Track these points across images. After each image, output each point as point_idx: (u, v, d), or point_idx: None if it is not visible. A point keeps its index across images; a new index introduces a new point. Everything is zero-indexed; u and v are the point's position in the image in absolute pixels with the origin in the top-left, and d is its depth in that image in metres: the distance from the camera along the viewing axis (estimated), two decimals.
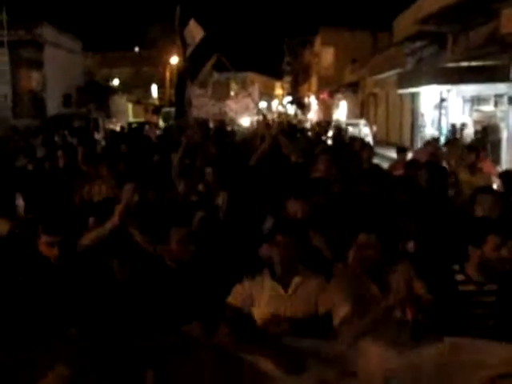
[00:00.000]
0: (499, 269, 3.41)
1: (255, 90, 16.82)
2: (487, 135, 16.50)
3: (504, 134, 16.65)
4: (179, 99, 11.45)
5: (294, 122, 35.19)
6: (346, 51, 41.42)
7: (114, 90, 39.63)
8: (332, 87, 42.74)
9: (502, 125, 17.01)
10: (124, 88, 43.38)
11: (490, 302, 3.42)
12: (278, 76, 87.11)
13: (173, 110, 32.26)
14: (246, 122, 21.31)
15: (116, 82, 43.60)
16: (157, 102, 45.59)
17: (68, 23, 65.06)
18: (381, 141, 26.14)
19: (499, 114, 17.23)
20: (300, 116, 57.22)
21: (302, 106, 61.24)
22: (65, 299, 3.34)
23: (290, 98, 73.15)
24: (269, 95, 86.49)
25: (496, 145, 16.29)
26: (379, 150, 19.13)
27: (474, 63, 16.66)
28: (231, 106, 15.70)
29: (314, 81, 55.55)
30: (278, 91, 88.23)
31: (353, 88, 37.45)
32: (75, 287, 3.42)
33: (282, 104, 79.08)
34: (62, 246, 3.43)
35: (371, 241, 3.42)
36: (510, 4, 14.26)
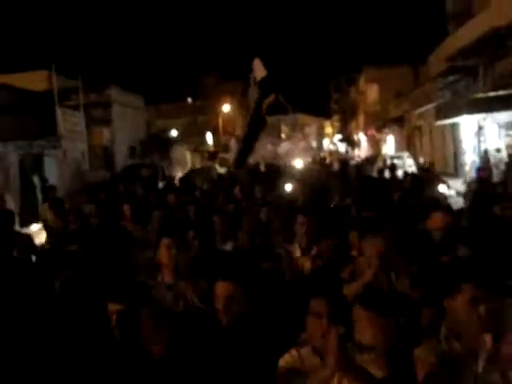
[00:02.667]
0: None
1: (312, 131, 18.00)
2: None
3: None
4: (246, 147, 11.96)
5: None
6: (390, 86, 42.57)
7: (173, 140, 42.23)
8: (378, 123, 44.15)
9: None
10: (181, 137, 45.99)
11: None
12: (327, 115, 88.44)
13: (228, 155, 34.38)
14: (299, 163, 22.45)
15: (174, 132, 46.27)
16: (212, 149, 47.89)
17: (131, 82, 69.39)
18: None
19: None
20: (350, 152, 58.61)
21: (352, 143, 62.60)
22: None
23: (340, 136, 74.31)
24: (319, 134, 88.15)
25: None
26: None
27: (501, 92, 18.25)
28: (285, 147, 16.93)
29: (361, 118, 57.07)
30: (328, 130, 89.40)
31: (398, 122, 38.82)
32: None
33: (332, 142, 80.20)
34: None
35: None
36: None
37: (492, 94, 18.32)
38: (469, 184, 11.42)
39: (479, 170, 14.03)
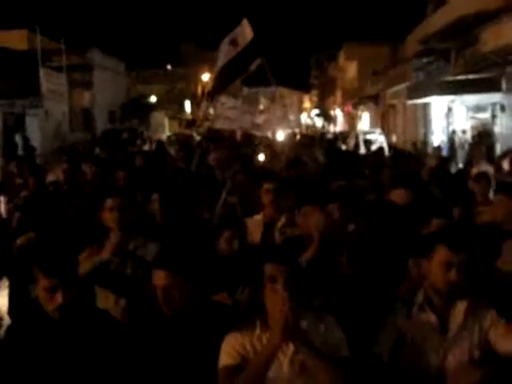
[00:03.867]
0: None
1: (292, 103, 17.84)
2: (482, 139, 18.82)
3: (497, 138, 19.03)
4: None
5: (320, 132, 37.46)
6: (368, 64, 43.06)
7: (152, 106, 42.54)
8: (355, 99, 44.86)
9: (496, 129, 19.41)
10: (160, 104, 46.29)
11: None
12: (306, 89, 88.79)
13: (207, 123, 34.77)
14: (280, 135, 22.44)
15: (153, 98, 46.52)
16: (190, 117, 48.26)
17: (113, 46, 69.04)
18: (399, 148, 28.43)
19: (493, 120, 19.65)
20: (326, 128, 59.33)
21: (329, 118, 63.27)
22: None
23: (317, 111, 74.73)
24: (297, 108, 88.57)
25: (490, 148, 18.58)
26: None
27: (470, 76, 19.14)
28: (264, 117, 16.85)
29: (338, 94, 57.64)
30: (306, 104, 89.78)
31: (374, 100, 39.57)
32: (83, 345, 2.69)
33: (310, 117, 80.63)
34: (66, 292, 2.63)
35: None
36: (489, 26, 16.60)
37: (461, 77, 19.18)
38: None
39: (438, 148, 14.87)
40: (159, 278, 2.87)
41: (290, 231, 4.77)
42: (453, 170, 11.86)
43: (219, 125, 13.27)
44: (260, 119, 16.14)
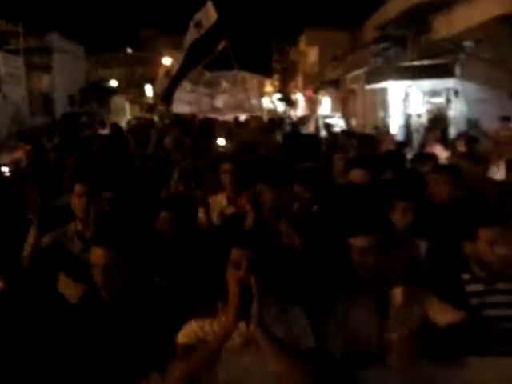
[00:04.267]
0: (501, 267, 3.07)
1: (253, 86, 17.66)
2: (437, 123, 19.45)
3: (451, 122, 19.68)
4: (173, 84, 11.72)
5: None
6: (329, 49, 43.43)
7: (112, 90, 42.18)
8: (316, 84, 45.29)
9: (450, 114, 20.05)
10: (120, 88, 45.88)
11: (503, 302, 3.07)
12: (268, 74, 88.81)
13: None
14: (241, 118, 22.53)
15: (114, 82, 46.08)
16: (151, 101, 47.98)
17: (72, 29, 67.79)
18: (358, 132, 29.00)
19: (447, 105, 20.29)
20: (288, 112, 59.69)
21: (290, 103, 63.62)
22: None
23: (279, 95, 74.94)
24: (259, 93, 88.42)
25: (444, 131, 19.23)
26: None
27: (426, 62, 19.69)
28: (225, 100, 16.74)
29: (299, 78, 58.05)
30: (268, 89, 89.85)
31: (334, 84, 40.05)
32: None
33: (272, 101, 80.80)
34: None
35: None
36: (441, 14, 17.11)
37: (417, 63, 19.72)
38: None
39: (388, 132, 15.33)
40: (97, 256, 2.81)
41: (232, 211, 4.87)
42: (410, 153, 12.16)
43: (178, 109, 13.35)
44: (220, 103, 16.05)
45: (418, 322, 2.87)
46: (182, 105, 12.76)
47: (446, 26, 16.22)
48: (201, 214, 5.16)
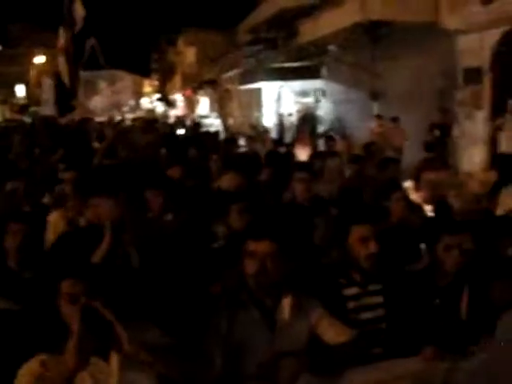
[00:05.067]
0: (370, 266, 3.06)
1: (126, 86, 17.49)
2: (305, 122, 20.63)
3: (319, 121, 20.96)
4: (62, 93, 11.24)
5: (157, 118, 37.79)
6: (206, 50, 44.06)
7: None
8: (194, 84, 45.71)
9: (320, 113, 21.33)
10: None
11: (377, 303, 3.09)
12: (147, 74, 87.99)
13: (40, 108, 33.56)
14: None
15: None
16: (23, 102, 46.15)
17: None
18: (234, 131, 29.80)
19: (316, 105, 21.59)
20: (168, 112, 59.61)
21: (169, 103, 63.52)
22: None
23: (158, 96, 74.50)
24: (138, 93, 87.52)
25: (313, 129, 20.44)
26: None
27: (295, 64, 20.82)
28: (100, 102, 16.66)
29: (178, 78, 58.12)
30: (147, 89, 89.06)
31: (212, 85, 40.67)
32: None
33: (151, 102, 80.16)
34: None
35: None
36: (307, 19, 18.24)
37: (287, 64, 20.79)
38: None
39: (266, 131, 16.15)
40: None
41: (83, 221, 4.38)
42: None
43: (48, 111, 13.03)
44: (96, 103, 15.92)
45: (305, 338, 2.76)
46: (53, 106, 12.71)
47: (312, 30, 17.28)
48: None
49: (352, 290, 3.10)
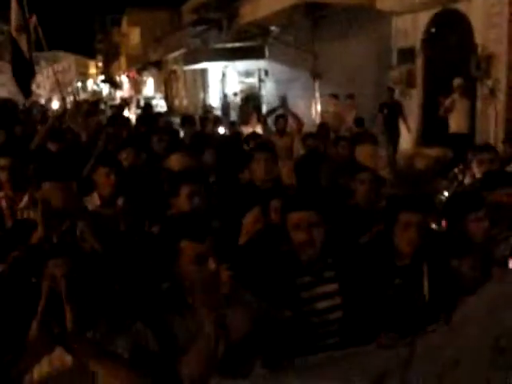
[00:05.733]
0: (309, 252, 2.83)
1: (66, 67, 16.81)
2: (249, 101, 20.95)
3: (263, 100, 21.33)
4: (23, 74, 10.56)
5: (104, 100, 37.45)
6: (151, 31, 43.58)
7: None
8: (139, 65, 45.31)
9: (263, 92, 21.69)
10: None
11: (330, 291, 2.89)
12: (92, 55, 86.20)
13: None
14: (55, 105, 20.92)
15: None
16: None
17: None
18: (179, 112, 29.88)
19: (259, 84, 21.95)
20: (113, 94, 58.82)
21: (115, 85, 62.63)
22: None
23: (103, 77, 73.28)
24: (83, 74, 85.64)
25: (257, 108, 20.75)
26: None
27: (239, 44, 21.05)
28: (42, 82, 16.02)
29: (123, 59, 57.36)
30: (92, 70, 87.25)
31: (157, 66, 40.46)
32: None
33: (96, 83, 78.66)
34: None
35: None
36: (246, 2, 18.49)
37: (230, 45, 21.01)
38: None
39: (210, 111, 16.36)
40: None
41: (32, 214, 4.09)
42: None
43: (5, 93, 12.66)
44: (39, 85, 15.49)
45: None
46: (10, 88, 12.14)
47: (252, 11, 17.53)
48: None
49: (305, 279, 2.86)
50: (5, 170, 4.39)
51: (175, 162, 4.78)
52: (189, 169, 4.47)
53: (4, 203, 4.37)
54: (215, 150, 6.01)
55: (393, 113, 12.39)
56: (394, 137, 12.39)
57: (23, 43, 11.46)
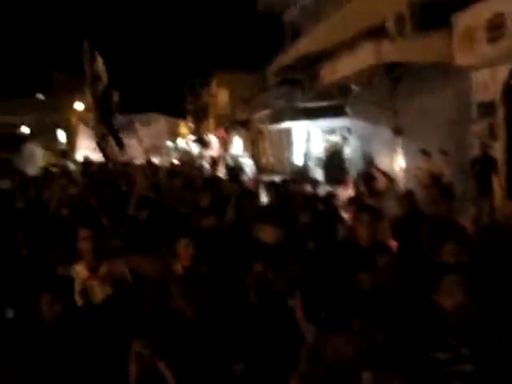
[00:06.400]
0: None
1: (163, 127, 17.55)
2: (334, 159, 21.25)
3: (347, 156, 21.56)
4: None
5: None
6: (238, 91, 45.15)
7: (24, 137, 41.91)
8: (227, 125, 46.88)
9: (347, 150, 21.97)
10: (32, 134, 45.52)
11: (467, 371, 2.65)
12: (182, 115, 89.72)
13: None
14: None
15: (25, 129, 45.72)
16: (64, 147, 47.75)
17: None
18: (267, 170, 30.60)
19: (343, 142, 22.26)
20: (203, 153, 60.81)
21: (204, 144, 64.75)
22: None
23: (193, 137, 75.82)
24: (174, 134, 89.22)
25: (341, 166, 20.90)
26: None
27: (320, 103, 21.61)
28: (139, 143, 16.81)
29: (211, 120, 59.52)
30: (183, 130, 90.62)
31: (244, 125, 41.73)
32: None
33: (187, 143, 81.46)
34: None
35: None
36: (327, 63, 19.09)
37: (312, 104, 21.62)
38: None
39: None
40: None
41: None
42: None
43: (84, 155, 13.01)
44: (134, 146, 16.29)
45: None
46: (89, 151, 12.83)
47: (332, 72, 18.13)
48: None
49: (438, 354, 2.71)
50: (87, 239, 4.61)
51: (268, 235, 4.87)
52: (281, 242, 4.68)
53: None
54: (312, 213, 6.23)
55: (486, 168, 12.31)
56: (486, 192, 12.28)
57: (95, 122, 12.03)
